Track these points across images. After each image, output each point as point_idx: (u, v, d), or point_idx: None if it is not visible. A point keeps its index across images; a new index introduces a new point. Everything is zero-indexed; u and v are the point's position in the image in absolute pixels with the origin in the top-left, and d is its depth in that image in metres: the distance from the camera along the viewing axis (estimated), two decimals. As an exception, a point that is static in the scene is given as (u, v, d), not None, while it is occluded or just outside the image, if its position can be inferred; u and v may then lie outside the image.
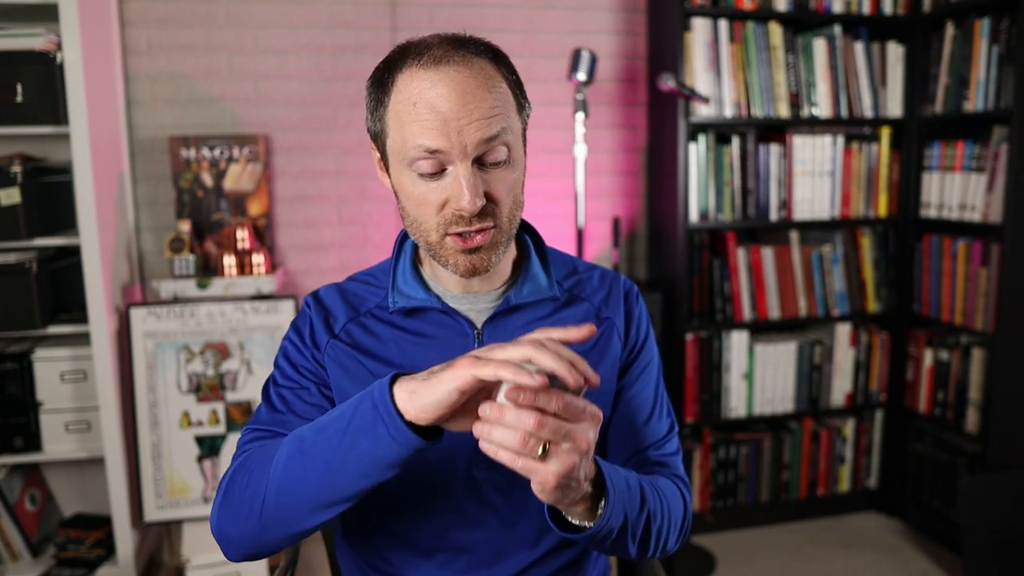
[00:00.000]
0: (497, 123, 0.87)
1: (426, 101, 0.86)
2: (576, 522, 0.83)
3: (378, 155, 0.97)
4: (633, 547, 0.89)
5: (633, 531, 0.87)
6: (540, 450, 0.72)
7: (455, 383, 0.74)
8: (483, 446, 0.73)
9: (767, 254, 2.64)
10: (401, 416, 0.77)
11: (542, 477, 0.73)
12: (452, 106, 0.85)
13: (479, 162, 0.88)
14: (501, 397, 0.73)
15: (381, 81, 0.91)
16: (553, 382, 0.73)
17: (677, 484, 1.00)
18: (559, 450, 0.72)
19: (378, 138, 0.94)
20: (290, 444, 0.85)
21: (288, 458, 0.85)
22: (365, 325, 1.00)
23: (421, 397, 0.76)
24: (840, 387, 2.78)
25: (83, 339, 2.20)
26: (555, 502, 0.78)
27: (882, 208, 2.72)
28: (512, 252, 1.03)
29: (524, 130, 0.96)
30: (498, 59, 0.92)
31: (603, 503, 0.82)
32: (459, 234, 0.90)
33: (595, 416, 0.75)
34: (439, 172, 0.88)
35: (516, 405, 0.71)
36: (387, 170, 0.96)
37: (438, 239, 0.91)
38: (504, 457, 0.72)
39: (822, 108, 2.61)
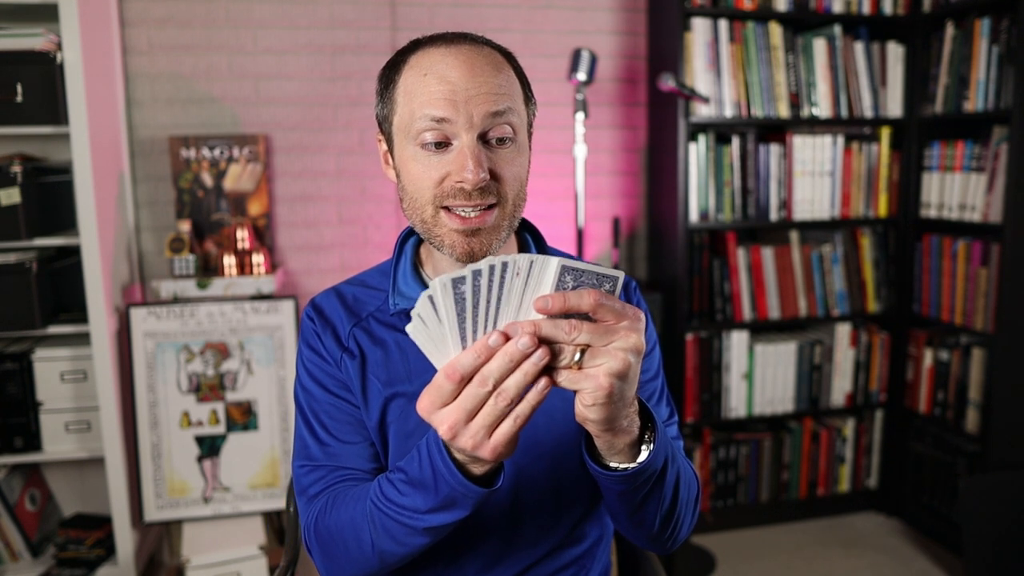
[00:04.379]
0: (504, 100, 0.89)
1: (437, 72, 0.88)
2: (615, 464, 0.80)
3: (384, 147, 0.98)
4: (663, 506, 0.86)
5: (669, 482, 0.85)
6: (577, 355, 0.68)
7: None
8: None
9: (767, 254, 2.64)
10: (474, 483, 0.77)
11: (594, 382, 0.68)
12: (462, 76, 0.87)
13: (484, 139, 0.89)
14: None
15: (393, 64, 0.94)
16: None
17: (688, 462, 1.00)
18: (606, 350, 0.68)
19: (385, 121, 0.95)
20: (383, 535, 0.86)
21: (380, 541, 0.86)
22: (368, 330, 1.00)
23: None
24: (840, 387, 2.78)
25: (83, 339, 2.20)
26: (607, 423, 0.72)
27: (882, 208, 2.72)
28: (513, 250, 1.03)
29: (530, 125, 0.97)
30: (507, 55, 0.95)
31: (649, 435, 0.79)
32: (457, 213, 0.89)
33: (637, 315, 0.70)
34: (443, 145, 0.89)
35: (546, 314, 0.67)
36: (392, 159, 0.96)
37: (432, 213, 0.90)
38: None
39: (822, 108, 2.61)
